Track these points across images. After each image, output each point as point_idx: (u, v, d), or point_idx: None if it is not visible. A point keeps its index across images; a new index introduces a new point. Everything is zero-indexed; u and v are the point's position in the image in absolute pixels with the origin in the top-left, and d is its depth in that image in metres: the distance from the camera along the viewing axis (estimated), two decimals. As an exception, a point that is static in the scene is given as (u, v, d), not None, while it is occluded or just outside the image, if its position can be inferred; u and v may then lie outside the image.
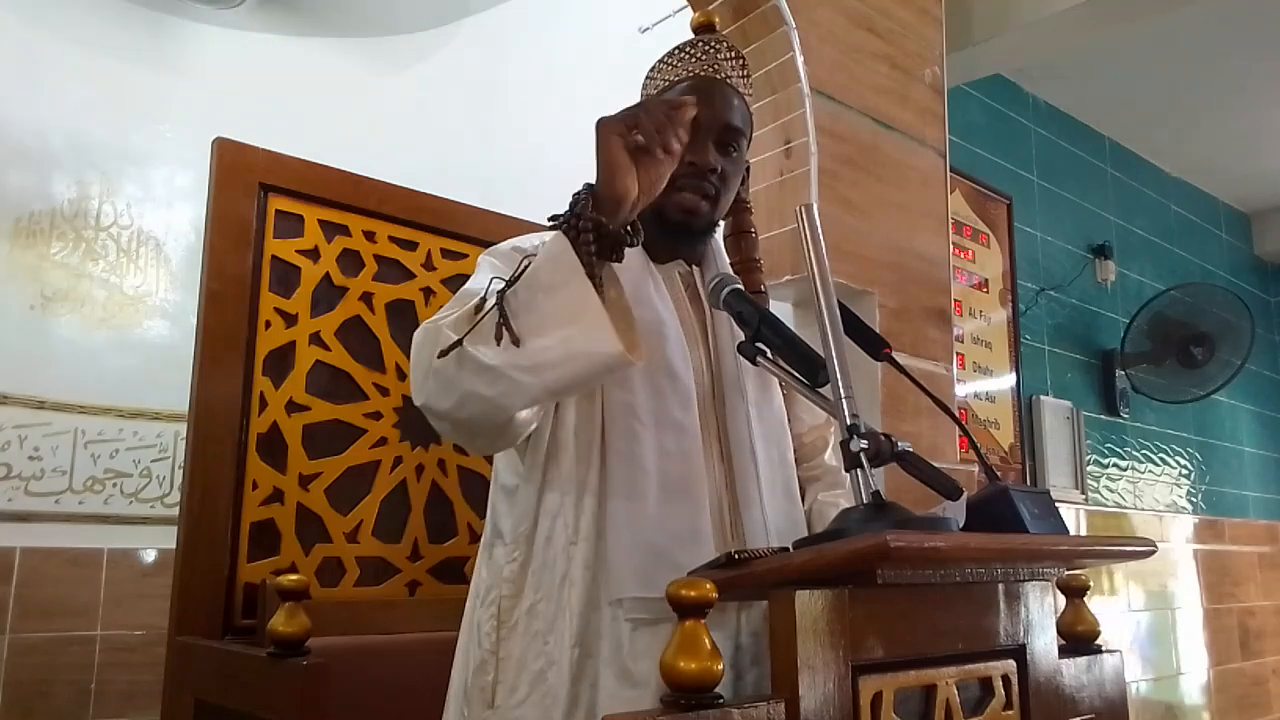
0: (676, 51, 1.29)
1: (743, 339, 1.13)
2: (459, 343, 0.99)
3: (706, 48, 1.28)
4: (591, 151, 1.02)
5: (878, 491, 0.98)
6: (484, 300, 1.02)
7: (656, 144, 1.00)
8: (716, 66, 1.26)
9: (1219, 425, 4.73)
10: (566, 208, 1.04)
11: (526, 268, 1.02)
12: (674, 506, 1.11)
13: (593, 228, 1.00)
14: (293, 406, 1.55)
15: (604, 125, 1.01)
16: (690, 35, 1.41)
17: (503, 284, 1.02)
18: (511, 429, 1.07)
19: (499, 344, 0.98)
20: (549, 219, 1.06)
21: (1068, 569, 1.18)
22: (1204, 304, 3.95)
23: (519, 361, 0.98)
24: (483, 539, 1.22)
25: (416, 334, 1.08)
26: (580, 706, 1.05)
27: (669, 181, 1.20)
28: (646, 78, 1.32)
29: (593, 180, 1.03)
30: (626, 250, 1.23)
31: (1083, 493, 3.73)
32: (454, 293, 1.70)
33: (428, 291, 1.72)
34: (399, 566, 1.61)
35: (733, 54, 1.29)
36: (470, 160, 2.94)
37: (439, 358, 1.01)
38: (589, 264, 1.00)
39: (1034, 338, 3.73)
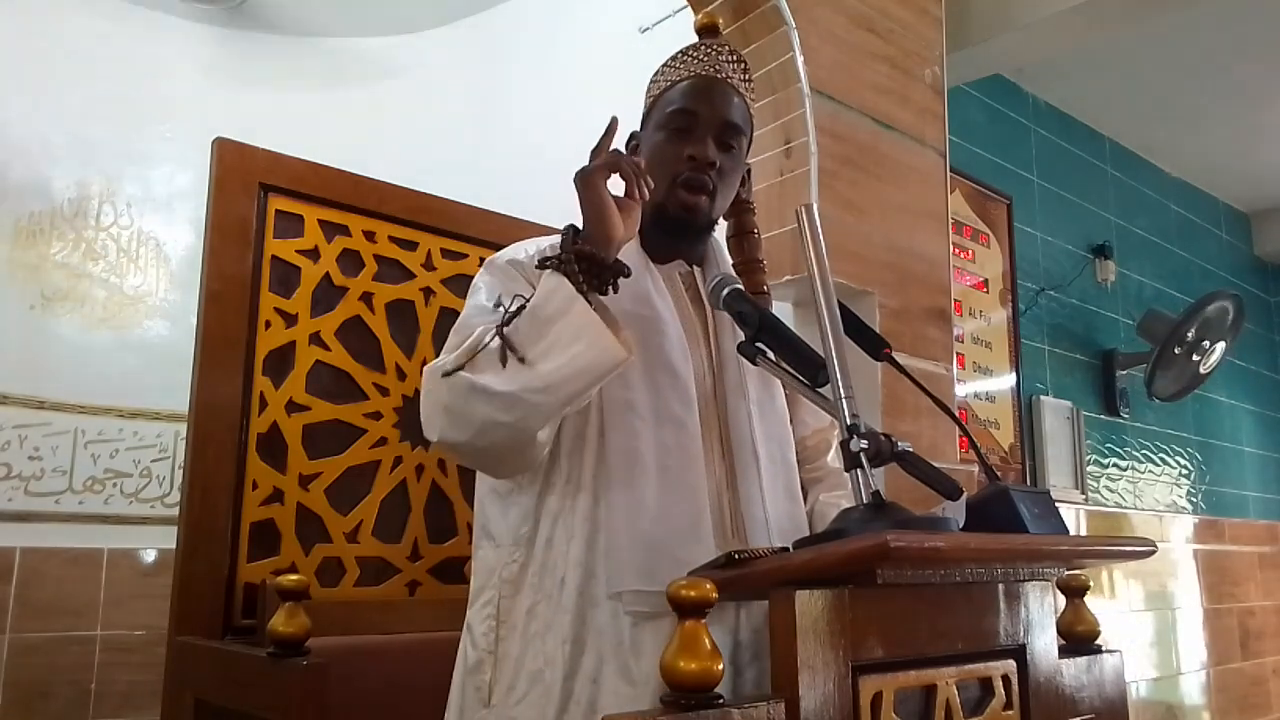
0: (679, 54, 1.31)
1: (743, 339, 1.14)
2: (462, 367, 1.04)
3: (708, 50, 1.29)
4: (589, 150, 1.05)
5: (878, 491, 0.98)
6: (483, 339, 1.06)
7: (633, 188, 1.10)
8: (717, 67, 1.28)
9: (1219, 425, 4.73)
10: (557, 250, 1.10)
11: (524, 306, 1.07)
12: (673, 501, 1.12)
13: (586, 263, 1.06)
14: (293, 406, 1.55)
15: (588, 174, 1.08)
16: (692, 36, 1.42)
17: (500, 319, 1.07)
18: (534, 450, 1.10)
19: (505, 366, 1.03)
20: (538, 264, 1.11)
21: (1068, 569, 1.18)
22: (1207, 307, 3.93)
23: (532, 384, 1.02)
24: (473, 539, 1.23)
25: (424, 377, 1.12)
26: (575, 702, 1.06)
27: (669, 179, 1.22)
28: (651, 81, 1.33)
29: (577, 224, 1.11)
30: (625, 250, 1.23)
31: (1083, 493, 3.73)
32: (454, 293, 1.73)
33: (428, 291, 1.72)
34: (399, 566, 1.61)
35: (734, 57, 1.30)
36: (470, 160, 2.94)
37: (444, 377, 1.05)
38: (584, 294, 1.05)
39: (1034, 338, 3.73)
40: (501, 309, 1.09)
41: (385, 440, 1.63)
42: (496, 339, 1.05)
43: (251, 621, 1.43)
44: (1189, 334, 3.85)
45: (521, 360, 1.03)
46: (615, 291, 1.09)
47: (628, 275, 1.10)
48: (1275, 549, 4.91)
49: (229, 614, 1.44)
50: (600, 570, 1.09)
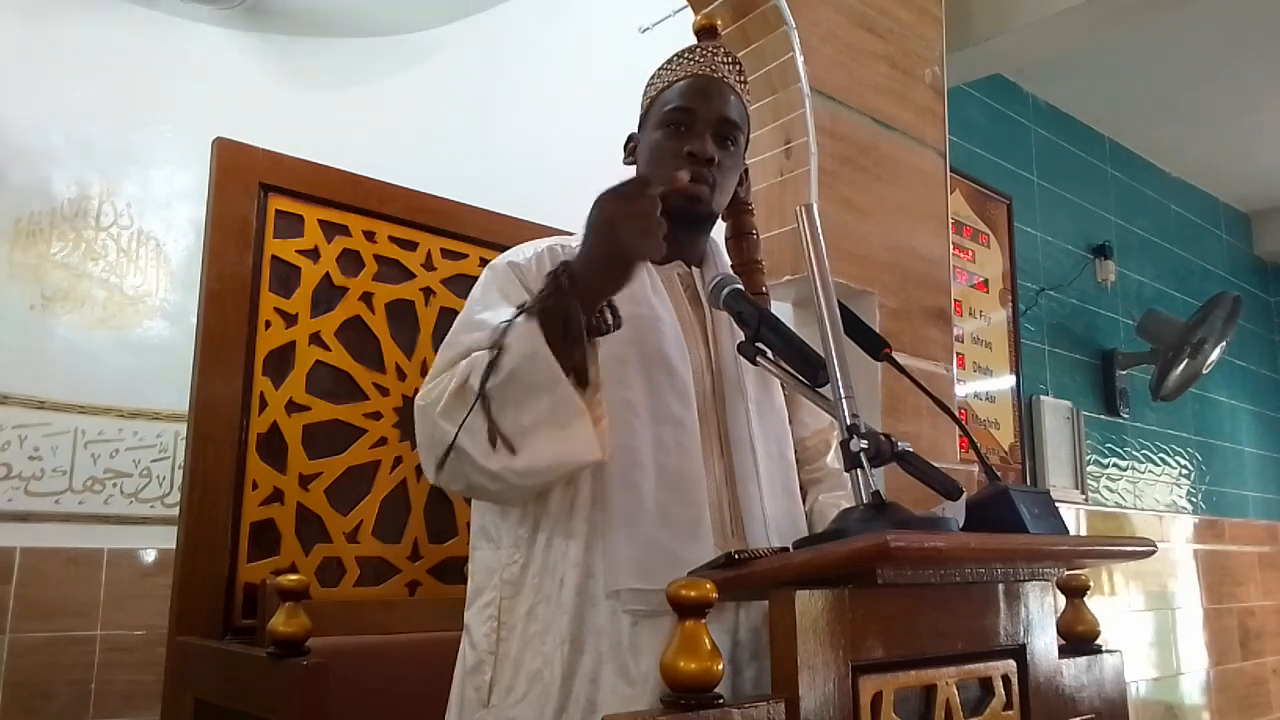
0: (675, 56, 1.32)
1: (742, 339, 1.13)
2: (453, 446, 1.07)
3: (704, 51, 1.31)
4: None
5: (878, 491, 0.98)
6: (470, 390, 1.06)
7: (646, 253, 1.05)
8: (713, 67, 1.29)
9: (1219, 425, 4.72)
10: (544, 287, 1.08)
11: (503, 353, 1.05)
12: (671, 500, 1.12)
13: (560, 324, 1.04)
14: (293, 406, 1.55)
15: (601, 227, 1.04)
16: (692, 37, 1.42)
17: (485, 363, 1.06)
18: (522, 499, 1.15)
19: (494, 448, 1.05)
20: (519, 307, 1.09)
21: (1068, 569, 1.18)
22: (1213, 311, 3.93)
23: (515, 467, 1.06)
24: (470, 540, 1.23)
25: (416, 413, 1.15)
26: (574, 702, 1.06)
27: (669, 175, 1.22)
28: (647, 84, 1.34)
29: (574, 255, 1.09)
30: None
31: (1083, 493, 3.73)
32: (454, 293, 1.73)
33: (428, 291, 1.72)
34: (399, 566, 1.61)
35: (729, 59, 1.32)
36: (470, 160, 2.94)
37: (439, 469, 1.10)
38: (567, 364, 1.05)
39: (1034, 338, 3.72)
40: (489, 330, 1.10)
41: (385, 440, 1.63)
42: (484, 411, 1.05)
43: (251, 621, 1.43)
44: (1194, 337, 3.86)
45: (511, 447, 1.05)
46: (613, 330, 1.09)
47: (606, 332, 1.09)
48: (1275, 549, 4.91)
49: (229, 614, 1.44)
50: (599, 570, 1.09)
